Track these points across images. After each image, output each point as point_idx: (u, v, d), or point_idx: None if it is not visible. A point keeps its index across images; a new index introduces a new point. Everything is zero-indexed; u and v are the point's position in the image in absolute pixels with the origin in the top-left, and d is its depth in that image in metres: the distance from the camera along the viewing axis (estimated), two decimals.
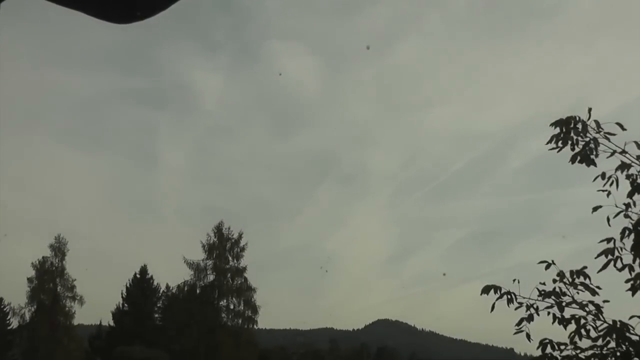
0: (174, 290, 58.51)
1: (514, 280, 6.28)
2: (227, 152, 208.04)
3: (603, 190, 6.32)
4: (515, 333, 6.17)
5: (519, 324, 6.20)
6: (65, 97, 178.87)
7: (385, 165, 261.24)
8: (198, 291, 55.37)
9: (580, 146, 6.40)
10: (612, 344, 5.92)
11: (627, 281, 6.09)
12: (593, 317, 6.08)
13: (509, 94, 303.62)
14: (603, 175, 6.29)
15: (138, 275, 61.60)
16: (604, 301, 6.18)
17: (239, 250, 56.38)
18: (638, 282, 6.06)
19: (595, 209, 6.27)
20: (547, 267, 6.30)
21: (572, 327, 6.09)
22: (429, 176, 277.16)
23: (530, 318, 6.22)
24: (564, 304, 6.15)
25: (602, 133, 6.40)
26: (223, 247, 55.94)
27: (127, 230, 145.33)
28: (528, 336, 6.19)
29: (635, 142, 6.18)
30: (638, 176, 6.29)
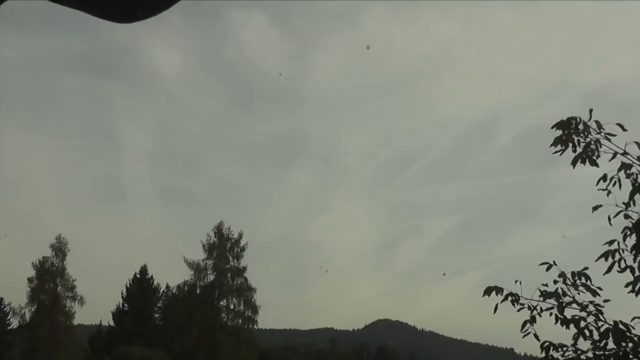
0: (174, 290, 58.58)
1: (516, 282, 6.30)
2: (187, 128, 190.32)
3: (603, 190, 6.34)
4: (524, 336, 6.19)
5: (523, 327, 6.22)
6: None
7: (362, 146, 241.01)
8: (198, 291, 55.40)
9: (582, 147, 6.42)
10: (613, 345, 5.93)
11: (627, 285, 6.10)
12: (594, 317, 6.09)
13: (489, 67, 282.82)
14: (604, 177, 6.31)
15: (138, 275, 61.64)
16: (605, 301, 6.19)
17: (239, 250, 56.46)
18: (639, 284, 6.06)
19: (595, 208, 6.29)
20: (548, 269, 6.32)
21: (574, 327, 6.10)
22: (410, 157, 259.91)
23: (532, 320, 6.23)
24: (564, 304, 6.16)
25: (603, 134, 6.42)
26: (223, 247, 55.97)
27: (93, 218, 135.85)
28: (536, 337, 6.20)
29: (636, 143, 6.21)
30: (639, 176, 6.31)
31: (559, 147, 6.46)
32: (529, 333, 6.18)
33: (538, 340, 6.18)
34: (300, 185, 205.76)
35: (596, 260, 6.22)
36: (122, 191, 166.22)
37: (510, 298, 6.20)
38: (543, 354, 6.08)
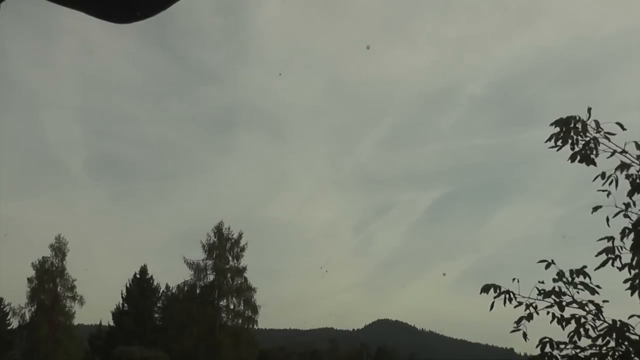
0: (173, 290, 58.63)
1: (514, 280, 6.28)
2: (113, 86, 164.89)
3: (603, 191, 6.33)
4: (513, 331, 6.17)
5: (518, 322, 6.20)
6: None
7: (309, 102, 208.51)
8: (198, 291, 55.43)
9: (580, 146, 6.41)
10: (612, 344, 5.92)
11: (625, 281, 6.10)
12: (593, 316, 6.09)
13: (450, 9, 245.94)
14: (603, 175, 6.30)
15: (138, 275, 61.66)
16: (604, 301, 6.18)
17: (239, 250, 56.53)
18: (637, 281, 6.06)
19: (595, 209, 6.28)
20: (547, 267, 6.31)
21: (572, 326, 6.09)
22: (370, 114, 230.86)
23: (529, 317, 6.22)
24: (564, 303, 6.15)
25: (601, 133, 6.41)
26: (223, 247, 56.00)
27: (36, 197, 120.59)
28: (525, 335, 6.18)
29: (635, 142, 6.20)
30: (638, 176, 6.30)
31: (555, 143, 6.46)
32: (520, 329, 6.15)
33: (526, 339, 6.16)
34: (245, 151, 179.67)
35: (596, 256, 6.21)
36: (51, 160, 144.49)
37: (505, 296, 6.17)
38: (539, 349, 6.06)
